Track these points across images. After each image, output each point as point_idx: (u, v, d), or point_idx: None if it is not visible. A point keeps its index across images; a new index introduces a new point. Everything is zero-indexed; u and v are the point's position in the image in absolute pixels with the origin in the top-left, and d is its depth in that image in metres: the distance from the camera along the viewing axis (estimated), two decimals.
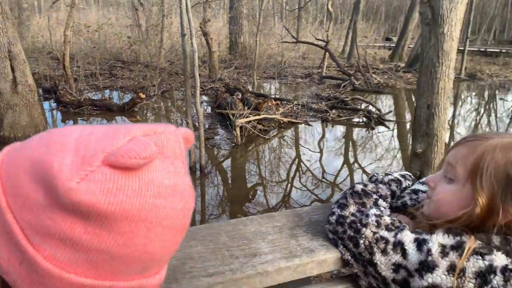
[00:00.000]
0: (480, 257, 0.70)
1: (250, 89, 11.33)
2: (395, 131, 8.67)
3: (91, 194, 0.39)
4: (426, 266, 0.73)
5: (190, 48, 6.24)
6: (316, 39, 14.81)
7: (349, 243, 0.82)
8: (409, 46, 18.70)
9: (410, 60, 16.80)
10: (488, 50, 23.01)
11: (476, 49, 22.97)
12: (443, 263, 0.72)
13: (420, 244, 0.75)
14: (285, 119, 8.80)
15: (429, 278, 0.72)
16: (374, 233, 0.79)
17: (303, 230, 0.89)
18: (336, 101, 10.33)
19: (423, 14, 3.46)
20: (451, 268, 0.71)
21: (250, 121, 7.82)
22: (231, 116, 7.88)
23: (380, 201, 0.90)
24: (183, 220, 0.46)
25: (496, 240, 0.73)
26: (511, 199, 0.72)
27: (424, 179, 1.01)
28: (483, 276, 0.70)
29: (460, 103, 12.53)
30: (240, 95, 9.42)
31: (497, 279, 0.69)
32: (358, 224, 0.81)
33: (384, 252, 0.77)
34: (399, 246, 0.76)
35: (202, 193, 5.42)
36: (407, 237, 0.77)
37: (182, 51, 6.58)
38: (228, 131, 7.76)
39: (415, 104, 4.25)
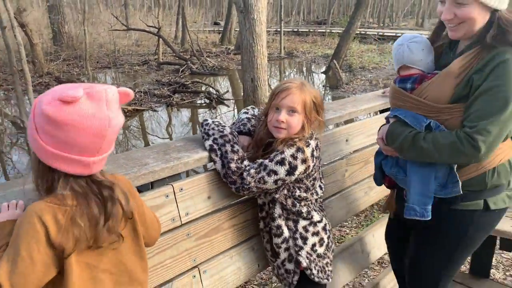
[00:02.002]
0: (308, 147, 1.41)
1: (85, 81, 10.87)
2: (236, 110, 9.55)
3: (54, 114, 0.88)
4: (293, 169, 1.38)
5: (14, 41, 5.83)
6: (148, 26, 14.83)
7: (248, 194, 1.44)
8: (236, 29, 20.22)
9: (238, 43, 18.24)
10: (300, 30, 26.44)
11: (291, 29, 26.22)
12: (298, 161, 1.38)
13: (281, 162, 1.37)
14: (129, 108, 8.87)
15: (297, 172, 1.39)
16: (255, 180, 1.37)
17: (172, 151, 1.42)
18: (177, 86, 10.79)
19: (237, 3, 4.24)
20: (303, 161, 1.39)
21: None
22: None
23: (245, 163, 1.41)
24: (98, 130, 0.91)
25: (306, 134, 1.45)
26: (315, 111, 1.47)
27: (253, 112, 1.66)
28: (312, 154, 1.43)
29: (285, 78, 14.48)
30: None
31: (315, 153, 1.45)
32: (245, 186, 1.37)
33: (265, 182, 1.37)
34: (272, 172, 1.37)
35: None
36: (270, 164, 1.37)
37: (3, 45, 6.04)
38: None
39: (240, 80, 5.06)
